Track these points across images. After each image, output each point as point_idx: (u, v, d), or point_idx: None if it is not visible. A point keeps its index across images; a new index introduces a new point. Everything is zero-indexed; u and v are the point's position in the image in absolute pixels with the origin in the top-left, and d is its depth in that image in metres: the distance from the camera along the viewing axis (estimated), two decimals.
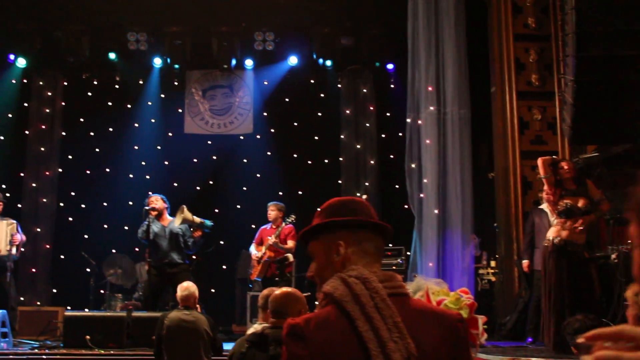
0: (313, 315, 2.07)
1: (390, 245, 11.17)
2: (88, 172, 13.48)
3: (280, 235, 10.58)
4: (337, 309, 2.03)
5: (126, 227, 12.84)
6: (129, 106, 13.57)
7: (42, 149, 13.39)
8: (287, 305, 4.52)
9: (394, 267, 10.51)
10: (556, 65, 10.40)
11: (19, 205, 12.70)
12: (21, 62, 12.92)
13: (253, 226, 12.24)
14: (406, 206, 11.67)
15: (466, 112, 10.18)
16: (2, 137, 13.07)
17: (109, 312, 9.89)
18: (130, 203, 12.95)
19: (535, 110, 10.47)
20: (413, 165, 10.77)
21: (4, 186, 11.59)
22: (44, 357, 7.81)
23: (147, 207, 9.49)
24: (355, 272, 2.08)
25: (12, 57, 12.89)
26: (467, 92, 10.27)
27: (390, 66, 13.13)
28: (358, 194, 13.08)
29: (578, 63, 7.40)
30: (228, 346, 9.37)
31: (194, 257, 9.96)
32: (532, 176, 10.39)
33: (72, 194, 13.44)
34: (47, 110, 13.51)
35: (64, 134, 13.57)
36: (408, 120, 10.81)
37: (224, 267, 12.95)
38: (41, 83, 13.53)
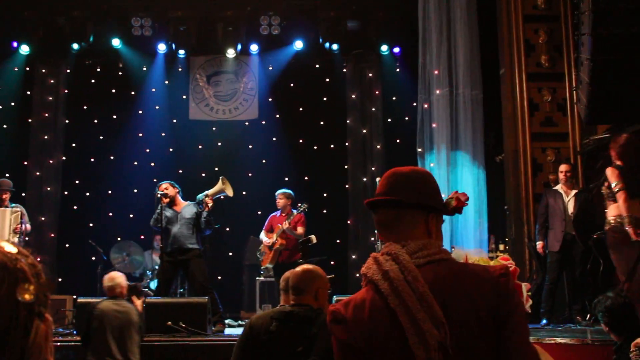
0: (352, 297, 2.17)
1: None
2: (92, 160, 13.41)
3: (290, 222, 10.57)
4: (371, 290, 2.12)
5: (131, 215, 12.82)
6: (132, 93, 13.49)
7: (46, 137, 13.30)
8: (307, 282, 4.47)
9: None
10: (566, 46, 10.34)
11: (23, 194, 12.60)
12: (24, 50, 12.81)
13: (259, 212, 12.21)
14: None
15: (478, 94, 10.14)
16: (5, 126, 12.97)
17: None
18: (135, 190, 12.93)
19: (545, 91, 10.39)
20: (420, 150, 10.72)
21: (7, 175, 11.46)
22: (58, 344, 7.74)
23: (159, 194, 9.38)
24: (386, 249, 2.16)
25: (15, 44, 12.77)
26: (478, 73, 10.23)
27: (396, 50, 13.02)
28: (365, 179, 13.05)
29: (594, 41, 7.33)
30: (232, 331, 9.40)
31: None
32: (542, 158, 10.35)
33: (77, 182, 13.38)
34: (50, 98, 13.41)
35: (67, 121, 13.47)
36: (417, 103, 10.76)
37: (230, 253, 12.90)
38: (44, 71, 13.42)
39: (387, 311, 2.04)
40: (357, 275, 12.46)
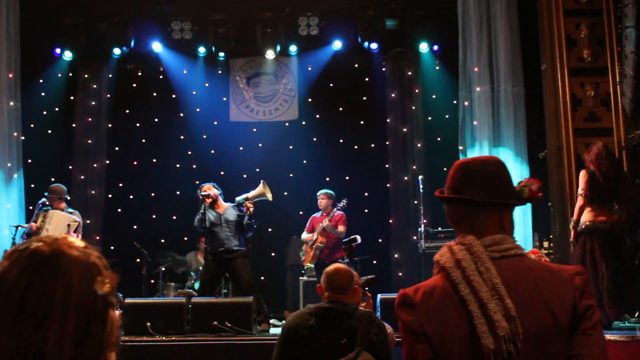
0: (422, 284, 2.19)
1: (440, 228, 11.12)
2: (135, 163, 13.59)
3: (331, 221, 10.60)
4: (443, 277, 2.14)
5: (174, 217, 12.96)
6: (174, 96, 13.60)
7: (89, 141, 13.50)
8: (350, 281, 4.65)
9: None
10: (608, 39, 10.19)
11: (68, 198, 12.77)
12: (67, 56, 12.97)
13: (301, 213, 12.25)
14: None
15: (520, 90, 10.06)
16: (50, 131, 13.16)
17: (168, 299, 9.91)
18: (178, 192, 13.05)
19: (588, 86, 10.24)
20: (461, 147, 10.68)
21: (53, 179, 11.65)
22: None
23: (202, 194, 9.46)
24: (461, 239, 2.18)
25: (58, 51, 12.94)
26: (520, 68, 10.14)
27: (435, 47, 12.93)
28: (406, 178, 13.02)
29: (639, 34, 7.26)
30: (277, 330, 9.44)
31: None
32: None
33: (120, 185, 13.56)
34: (93, 103, 13.60)
35: (110, 125, 13.65)
36: (457, 100, 10.71)
37: (273, 254, 12.96)
38: (86, 76, 13.62)
39: (457, 299, 2.06)
40: (400, 274, 12.46)
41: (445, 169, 12.05)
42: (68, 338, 1.38)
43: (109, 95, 13.62)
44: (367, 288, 5.52)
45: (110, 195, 13.49)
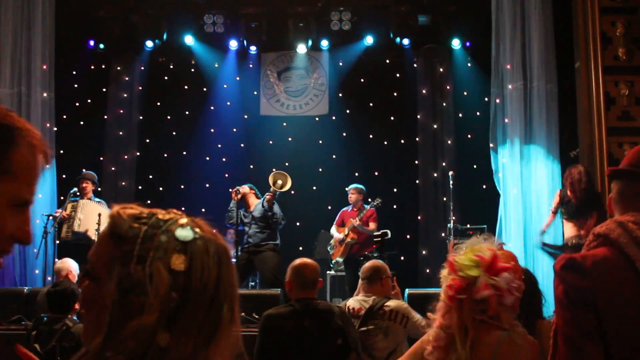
0: (588, 253, 2.10)
1: (469, 225, 11.06)
2: (165, 155, 13.67)
3: (362, 217, 10.59)
4: (613, 250, 2.06)
5: (203, 209, 12.95)
6: (205, 89, 13.66)
7: (121, 133, 13.59)
8: (317, 275, 4.78)
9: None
10: None
11: (99, 189, 12.88)
12: (100, 48, 13.06)
13: (329, 207, 12.26)
14: (484, 186, 11.53)
15: (553, 87, 9.97)
16: (82, 122, 13.26)
17: None
18: (207, 185, 13.11)
19: (622, 85, 10.13)
20: (492, 145, 10.61)
21: (84, 170, 11.74)
22: None
23: (237, 188, 9.59)
24: (633, 218, 2.09)
25: (91, 43, 13.04)
26: (553, 66, 10.05)
27: (468, 44, 12.84)
28: (435, 174, 12.96)
29: None
30: None
31: None
32: (619, 153, 10.08)
33: (150, 177, 13.66)
34: (125, 95, 13.69)
35: (141, 118, 13.72)
36: (490, 97, 10.65)
37: (301, 248, 12.95)
38: (119, 68, 13.71)
39: (634, 277, 1.99)
40: (428, 270, 12.39)
41: (475, 166, 12.03)
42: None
43: (140, 88, 13.69)
44: (394, 278, 5.57)
45: (140, 187, 13.57)
